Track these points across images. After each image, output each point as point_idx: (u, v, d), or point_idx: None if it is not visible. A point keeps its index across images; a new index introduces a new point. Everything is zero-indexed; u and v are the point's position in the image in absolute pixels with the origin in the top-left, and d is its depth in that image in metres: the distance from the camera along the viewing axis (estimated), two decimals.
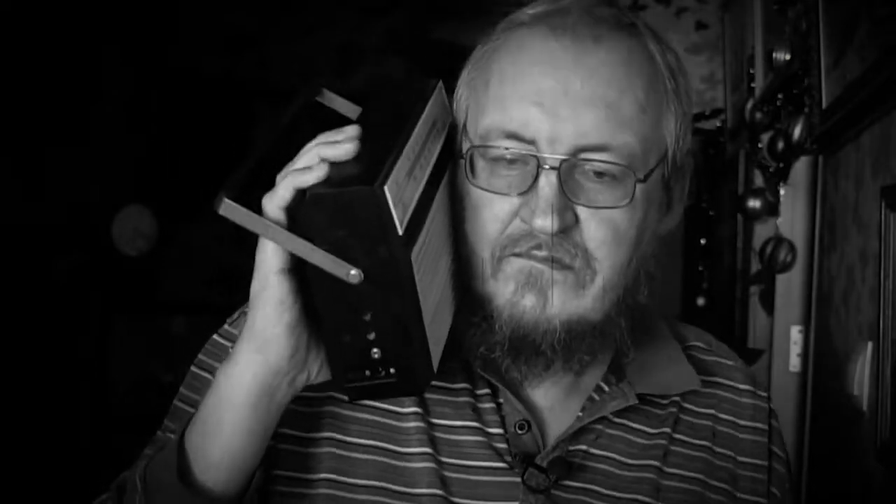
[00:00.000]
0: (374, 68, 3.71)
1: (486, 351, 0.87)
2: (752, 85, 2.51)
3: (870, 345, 1.49)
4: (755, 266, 2.42)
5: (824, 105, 1.78)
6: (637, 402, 0.92)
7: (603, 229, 0.85)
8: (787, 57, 2.01)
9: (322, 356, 0.82)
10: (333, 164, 0.78)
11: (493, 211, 0.86)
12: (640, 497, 0.91)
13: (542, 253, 0.84)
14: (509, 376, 0.89)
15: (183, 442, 0.83)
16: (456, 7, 3.51)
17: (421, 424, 0.90)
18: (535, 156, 0.84)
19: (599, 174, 0.84)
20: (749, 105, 2.39)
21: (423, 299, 0.79)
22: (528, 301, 0.85)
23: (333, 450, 0.90)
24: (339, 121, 0.88)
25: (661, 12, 3.47)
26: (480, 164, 0.87)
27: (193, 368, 0.95)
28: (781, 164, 2.11)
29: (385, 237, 0.75)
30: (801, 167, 2.08)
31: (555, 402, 0.93)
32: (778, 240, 2.07)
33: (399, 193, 0.76)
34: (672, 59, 0.90)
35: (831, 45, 1.75)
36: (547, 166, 0.83)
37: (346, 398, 0.86)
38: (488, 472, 0.89)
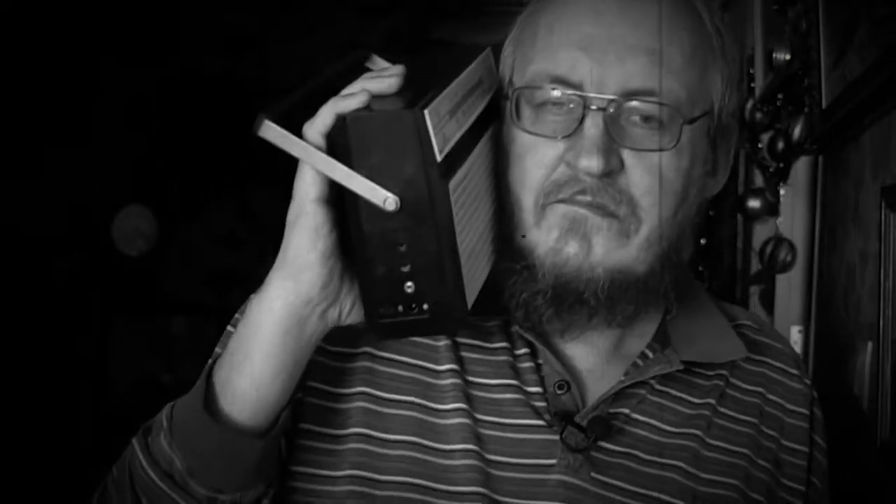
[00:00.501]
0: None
1: (527, 298, 0.86)
2: (752, 85, 2.50)
3: (870, 345, 1.49)
4: (755, 266, 2.41)
5: (824, 105, 1.78)
6: (681, 367, 0.91)
7: (649, 176, 0.85)
8: (787, 57, 2.01)
9: (355, 294, 0.81)
10: (377, 98, 0.77)
11: (538, 156, 0.86)
12: (680, 464, 0.90)
13: (587, 198, 0.84)
14: (551, 328, 0.88)
15: (211, 376, 0.83)
16: (456, 7, 3.51)
17: (457, 381, 0.89)
18: (581, 96, 0.84)
19: (646, 119, 0.85)
20: (749, 105, 2.39)
21: (459, 235, 0.78)
22: (572, 248, 0.85)
23: (367, 405, 0.89)
24: None
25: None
26: (526, 110, 0.88)
27: (228, 328, 0.96)
28: (781, 164, 2.11)
29: (424, 162, 0.74)
30: (801, 167, 2.08)
31: (595, 365, 0.92)
32: (778, 240, 2.06)
33: (440, 124, 0.76)
34: (719, 22, 0.91)
35: (831, 45, 1.75)
36: (594, 107, 0.84)
37: (383, 354, 0.87)
38: (526, 429, 0.89)
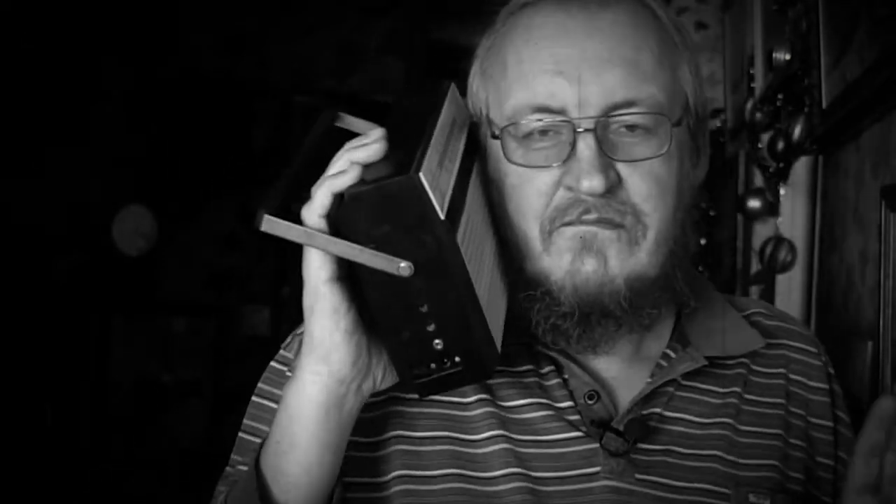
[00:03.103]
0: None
1: (555, 323, 0.87)
2: (752, 85, 2.50)
3: (870, 345, 1.49)
4: (755, 266, 2.41)
5: (824, 105, 1.78)
6: (706, 363, 0.92)
7: (647, 183, 0.86)
8: (787, 57, 2.01)
9: (384, 359, 0.82)
10: (365, 167, 0.78)
11: (536, 186, 0.87)
12: (718, 453, 0.91)
13: (592, 216, 0.85)
14: (580, 346, 0.89)
15: (259, 466, 0.83)
16: (456, 7, 3.51)
17: (489, 409, 0.90)
18: (568, 121, 0.85)
19: (632, 128, 0.86)
20: (749, 105, 2.38)
21: (476, 282, 0.79)
22: (589, 266, 0.86)
23: (403, 447, 0.90)
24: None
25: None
26: (512, 144, 0.88)
27: (255, 398, 0.95)
28: (781, 164, 2.10)
29: (429, 223, 0.75)
30: (801, 167, 2.08)
31: (619, 372, 0.93)
32: (778, 240, 2.06)
33: (434, 181, 0.76)
34: (672, 14, 0.92)
35: (831, 45, 1.75)
36: (582, 129, 0.85)
37: (410, 396, 0.87)
38: (565, 443, 0.89)
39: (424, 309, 0.77)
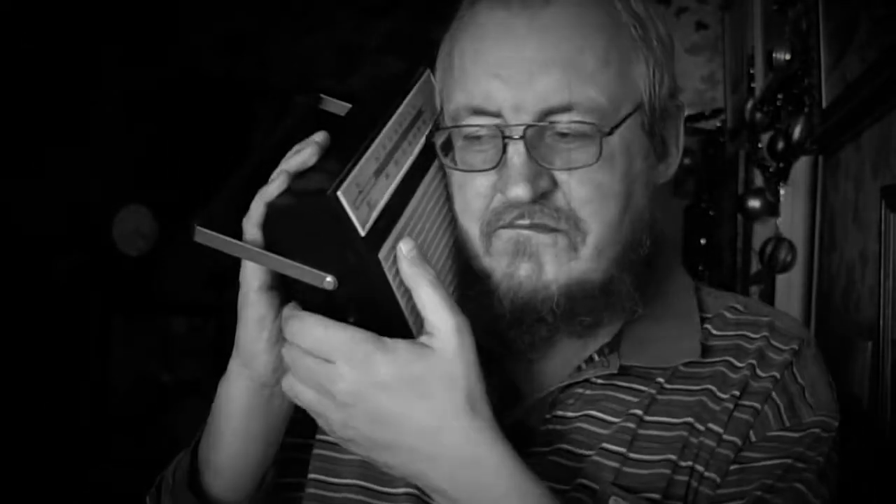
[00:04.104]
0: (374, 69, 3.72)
1: (490, 323, 0.86)
2: (752, 85, 2.51)
3: (870, 345, 1.49)
4: (755, 266, 2.41)
5: (824, 105, 1.78)
6: (615, 371, 0.90)
7: (584, 189, 0.84)
8: (787, 57, 2.01)
9: None
10: (303, 173, 0.79)
11: (475, 188, 0.86)
12: (616, 448, 0.88)
13: (526, 221, 0.84)
14: (517, 347, 0.89)
15: (196, 452, 0.90)
16: (456, 7, 3.50)
17: None
18: (498, 126, 0.83)
19: (567, 135, 0.83)
20: (749, 105, 2.39)
21: (401, 294, 0.79)
22: (523, 270, 0.85)
23: (321, 451, 0.94)
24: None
25: (661, 12, 3.46)
26: (458, 143, 0.87)
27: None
28: (781, 164, 2.11)
29: (348, 241, 0.76)
30: (801, 167, 2.08)
31: (554, 372, 0.92)
32: (778, 240, 2.06)
33: (361, 195, 0.76)
34: (640, 8, 0.88)
35: (831, 45, 1.75)
36: (512, 136, 0.83)
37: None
38: None
39: (352, 320, 0.78)
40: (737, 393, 0.89)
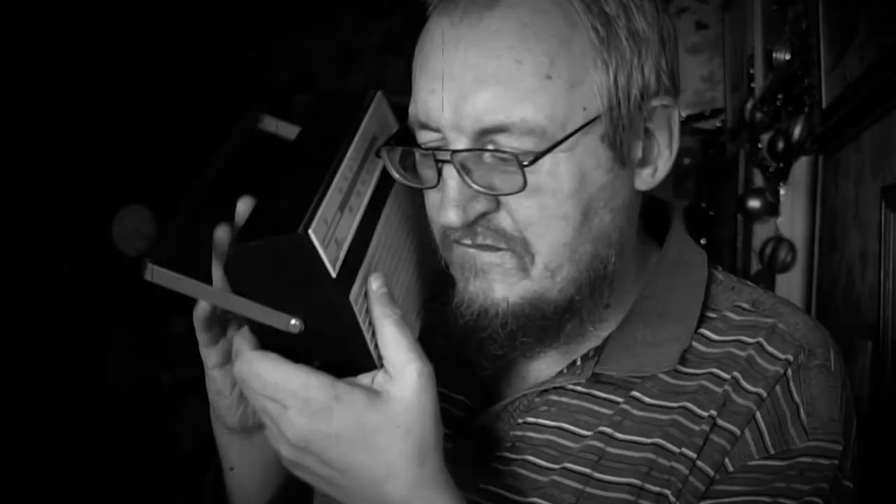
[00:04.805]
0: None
1: (447, 333, 0.85)
2: (752, 85, 2.51)
3: (870, 345, 1.49)
4: (755, 266, 2.41)
5: (824, 105, 1.78)
6: (583, 381, 0.86)
7: (525, 211, 0.79)
8: (787, 57, 2.01)
9: None
10: (264, 206, 0.77)
11: (429, 201, 0.84)
12: (578, 468, 0.84)
13: (468, 241, 0.81)
14: (475, 358, 0.86)
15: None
16: None
17: None
18: (431, 150, 0.80)
19: (502, 158, 0.77)
20: (749, 105, 2.39)
21: (368, 332, 0.76)
22: (473, 287, 0.82)
23: None
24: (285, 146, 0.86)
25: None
26: (417, 155, 0.83)
27: None
28: (781, 164, 2.11)
29: (319, 283, 0.72)
30: (801, 167, 2.08)
31: (535, 379, 0.90)
32: (778, 240, 2.06)
33: (329, 232, 0.72)
34: (612, 4, 0.79)
35: (831, 45, 1.75)
36: (444, 158, 0.78)
37: None
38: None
39: (317, 365, 0.75)
40: (714, 413, 0.81)
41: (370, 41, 3.79)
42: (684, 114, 3.27)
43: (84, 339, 3.71)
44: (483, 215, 0.80)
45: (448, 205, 0.78)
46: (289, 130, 0.89)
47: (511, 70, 0.76)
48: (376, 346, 0.77)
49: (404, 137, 0.84)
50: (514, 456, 0.87)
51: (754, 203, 2.21)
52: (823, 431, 0.80)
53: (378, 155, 0.83)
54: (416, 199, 0.87)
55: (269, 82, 3.78)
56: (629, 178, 0.83)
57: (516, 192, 0.77)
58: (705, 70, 3.43)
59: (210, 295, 0.75)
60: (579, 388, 0.86)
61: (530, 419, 0.87)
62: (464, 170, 0.78)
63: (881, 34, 1.43)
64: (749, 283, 0.91)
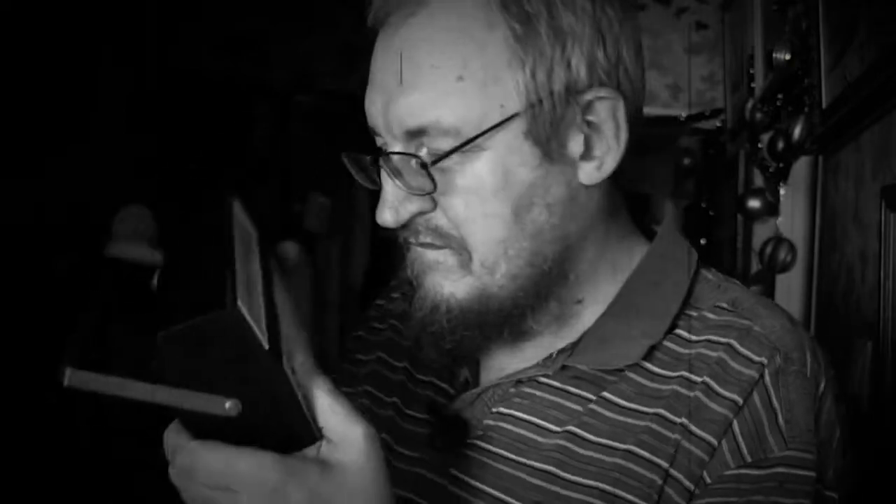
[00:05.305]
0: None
1: (412, 326, 0.87)
2: (752, 85, 2.51)
3: (870, 345, 1.49)
4: (755, 266, 2.41)
5: (824, 105, 1.78)
6: (549, 373, 0.86)
7: (456, 210, 0.81)
8: (787, 57, 2.01)
9: None
10: (170, 295, 0.74)
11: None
12: (549, 468, 0.84)
13: (412, 240, 0.84)
14: (424, 354, 0.89)
15: None
16: None
17: (402, 378, 0.99)
18: (371, 154, 0.84)
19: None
20: (749, 105, 2.39)
21: (304, 402, 0.74)
22: (424, 284, 0.85)
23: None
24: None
25: (661, 12, 3.47)
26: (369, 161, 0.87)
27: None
28: (781, 164, 2.11)
29: (253, 357, 0.68)
30: (801, 167, 2.08)
31: (514, 363, 0.90)
32: (778, 240, 2.06)
33: (252, 308, 0.70)
34: (531, 5, 0.78)
35: (831, 45, 1.75)
36: (378, 161, 0.83)
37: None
38: (414, 421, 0.94)
39: (259, 444, 0.71)
40: (685, 420, 0.80)
41: (370, 41, 3.79)
42: (684, 114, 3.27)
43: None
44: (421, 215, 0.82)
45: (382, 206, 0.82)
46: (145, 253, 0.87)
47: (427, 74, 0.78)
48: (313, 417, 0.74)
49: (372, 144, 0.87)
50: (483, 445, 0.87)
51: (754, 203, 2.21)
52: (801, 441, 0.78)
53: (342, 161, 0.86)
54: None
55: (269, 82, 3.78)
56: (566, 173, 0.82)
57: (430, 192, 0.80)
58: (705, 70, 3.43)
59: (136, 390, 0.69)
60: (555, 383, 0.86)
61: (503, 409, 0.87)
62: (395, 172, 0.81)
63: (881, 34, 1.43)
64: (738, 283, 0.90)
